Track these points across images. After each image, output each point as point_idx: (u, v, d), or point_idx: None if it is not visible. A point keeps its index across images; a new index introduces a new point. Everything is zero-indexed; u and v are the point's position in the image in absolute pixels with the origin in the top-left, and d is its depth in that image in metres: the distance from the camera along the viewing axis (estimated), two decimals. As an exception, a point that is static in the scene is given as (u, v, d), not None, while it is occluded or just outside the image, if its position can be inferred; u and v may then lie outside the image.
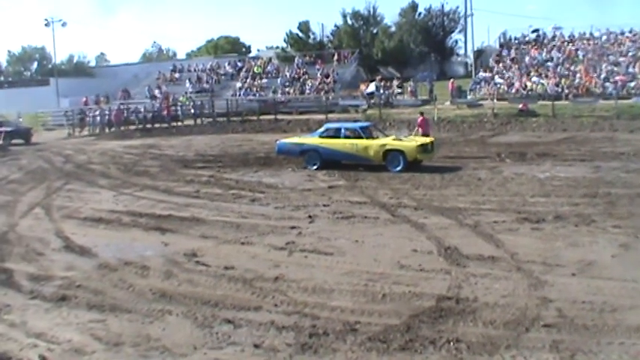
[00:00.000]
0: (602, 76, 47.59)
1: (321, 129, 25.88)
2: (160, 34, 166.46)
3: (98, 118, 49.16)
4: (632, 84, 45.78)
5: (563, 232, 13.72)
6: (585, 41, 55.94)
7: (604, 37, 56.02)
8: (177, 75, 65.81)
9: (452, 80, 53.22)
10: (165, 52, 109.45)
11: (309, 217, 16.14)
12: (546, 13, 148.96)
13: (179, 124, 49.27)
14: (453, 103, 47.04)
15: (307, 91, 55.79)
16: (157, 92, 60.47)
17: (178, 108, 52.82)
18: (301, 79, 58.48)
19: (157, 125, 48.39)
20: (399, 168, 22.74)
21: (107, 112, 50.09)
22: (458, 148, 28.92)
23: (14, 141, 39.50)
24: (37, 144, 39.81)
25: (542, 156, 25.40)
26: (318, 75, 58.28)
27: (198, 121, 49.90)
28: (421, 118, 27.55)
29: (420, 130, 26.61)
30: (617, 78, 46.68)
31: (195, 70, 66.01)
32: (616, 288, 10.16)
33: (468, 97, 49.08)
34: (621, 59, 50.45)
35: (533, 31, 59.61)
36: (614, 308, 9.34)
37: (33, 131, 43.37)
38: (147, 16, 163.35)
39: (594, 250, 12.25)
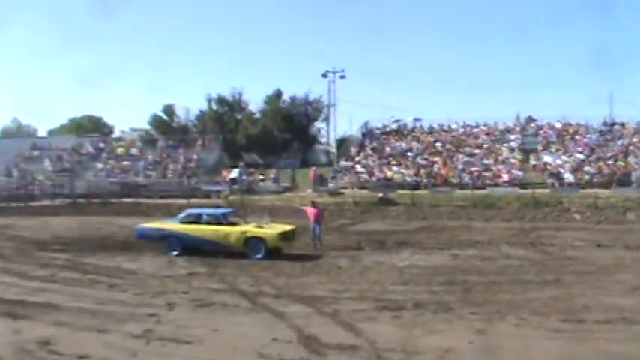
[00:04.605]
0: (459, 166, 49.46)
1: (183, 214, 25.30)
2: (20, 110, 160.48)
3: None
4: (487, 174, 47.74)
5: (422, 319, 13.76)
6: (443, 133, 58.25)
7: (461, 130, 58.60)
8: (36, 153, 62.59)
9: (313, 168, 54.01)
10: (25, 128, 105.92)
11: (168, 304, 15.56)
12: (406, 104, 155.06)
13: (36, 203, 46.90)
14: (314, 191, 47.17)
15: (169, 175, 54.76)
16: (14, 170, 58.04)
17: (35, 187, 50.78)
18: (164, 163, 57.36)
19: (12, 204, 45.54)
20: (259, 255, 22.46)
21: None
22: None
23: None
24: None
25: (402, 244, 25.79)
26: (181, 159, 57.64)
27: (57, 201, 47.50)
28: (311, 209, 25.88)
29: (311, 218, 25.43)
30: (472, 169, 48.61)
31: (55, 149, 63.17)
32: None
33: (330, 185, 49.45)
34: (476, 151, 52.70)
35: (395, 122, 61.78)
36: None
37: None
38: (7, 90, 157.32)
39: (452, 337, 12.33)
